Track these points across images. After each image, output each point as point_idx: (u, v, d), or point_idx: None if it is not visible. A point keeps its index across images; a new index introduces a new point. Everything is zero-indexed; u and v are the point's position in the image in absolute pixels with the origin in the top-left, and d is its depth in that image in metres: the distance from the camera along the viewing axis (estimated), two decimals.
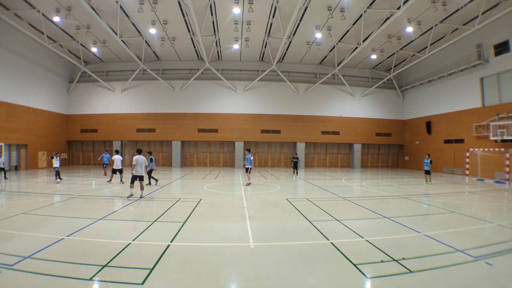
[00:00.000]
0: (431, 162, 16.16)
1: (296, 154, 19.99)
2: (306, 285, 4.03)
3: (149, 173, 14.04)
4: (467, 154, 20.57)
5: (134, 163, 10.61)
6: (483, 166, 19.88)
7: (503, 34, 18.83)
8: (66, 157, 28.20)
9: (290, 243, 5.80)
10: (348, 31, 21.53)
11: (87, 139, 28.51)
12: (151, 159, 13.90)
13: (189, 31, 21.91)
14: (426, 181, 16.24)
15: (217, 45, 24.45)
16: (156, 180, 14.75)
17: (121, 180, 15.12)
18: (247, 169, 14.99)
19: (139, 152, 11.01)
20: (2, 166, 16.77)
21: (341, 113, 29.22)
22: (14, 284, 3.85)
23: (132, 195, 10.65)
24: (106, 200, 10.40)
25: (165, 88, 27.90)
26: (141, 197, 10.60)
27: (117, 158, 14.63)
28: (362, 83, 30.04)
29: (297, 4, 15.05)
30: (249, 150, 15.31)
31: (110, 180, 15.36)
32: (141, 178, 10.68)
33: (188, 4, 15.17)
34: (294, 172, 19.57)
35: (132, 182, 10.59)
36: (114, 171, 14.82)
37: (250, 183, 15.00)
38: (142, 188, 10.80)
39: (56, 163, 15.40)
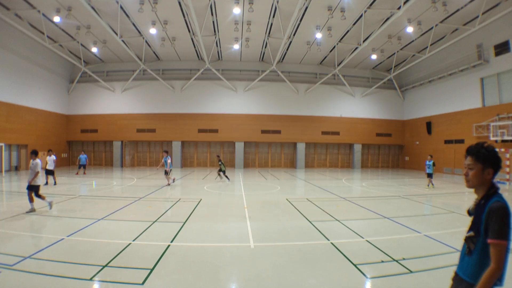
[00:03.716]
0: (434, 164, 14.55)
1: (218, 156, 18.02)
2: (306, 285, 4.02)
3: None
4: None
5: (39, 169, 8.23)
6: None
7: (503, 34, 18.82)
8: (66, 156, 28.23)
9: (290, 243, 5.80)
10: (348, 31, 21.52)
11: (87, 140, 28.51)
12: None
13: (189, 31, 21.91)
14: (428, 185, 14.72)
15: (217, 45, 24.45)
16: None
17: (54, 183, 13.84)
18: (167, 173, 14.32)
19: (36, 154, 8.47)
20: (84, 163, 18.98)
21: (341, 113, 29.19)
22: (14, 284, 3.85)
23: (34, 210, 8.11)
24: (107, 201, 10.40)
25: (165, 88, 27.90)
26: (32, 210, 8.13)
27: (50, 158, 13.60)
28: (362, 83, 30.01)
29: (297, 4, 15.04)
30: (166, 152, 14.76)
31: (47, 183, 13.68)
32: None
33: (188, 4, 15.17)
34: (219, 175, 16.87)
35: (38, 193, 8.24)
36: (48, 172, 13.59)
37: (169, 184, 14.45)
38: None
39: None
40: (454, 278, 2.06)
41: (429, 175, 14.67)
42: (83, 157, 19.41)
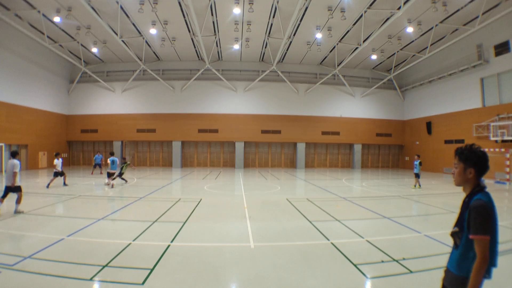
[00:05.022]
0: (420, 163, 14.23)
1: (125, 158, 16.56)
2: (306, 285, 4.02)
3: None
4: None
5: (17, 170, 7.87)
6: None
7: (503, 35, 18.82)
8: (66, 156, 28.22)
9: (291, 243, 5.80)
10: (348, 31, 21.52)
11: (87, 140, 28.51)
12: None
13: (189, 31, 21.91)
14: (415, 185, 14.45)
15: (217, 46, 24.45)
16: None
17: (48, 185, 13.11)
18: (112, 174, 13.31)
19: (15, 154, 8.22)
20: (99, 162, 19.47)
21: (341, 113, 29.19)
22: (14, 284, 3.85)
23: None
24: (107, 200, 10.40)
25: (165, 88, 27.90)
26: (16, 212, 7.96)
27: (58, 162, 13.46)
28: (362, 83, 30.02)
29: (297, 4, 15.05)
30: (112, 154, 13.58)
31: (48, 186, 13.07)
32: (13, 189, 7.92)
33: (189, 4, 15.18)
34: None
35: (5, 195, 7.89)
36: (56, 174, 13.37)
37: (113, 185, 13.27)
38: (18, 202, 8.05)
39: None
40: (445, 270, 2.23)
41: (416, 175, 14.43)
42: (98, 157, 19.91)
